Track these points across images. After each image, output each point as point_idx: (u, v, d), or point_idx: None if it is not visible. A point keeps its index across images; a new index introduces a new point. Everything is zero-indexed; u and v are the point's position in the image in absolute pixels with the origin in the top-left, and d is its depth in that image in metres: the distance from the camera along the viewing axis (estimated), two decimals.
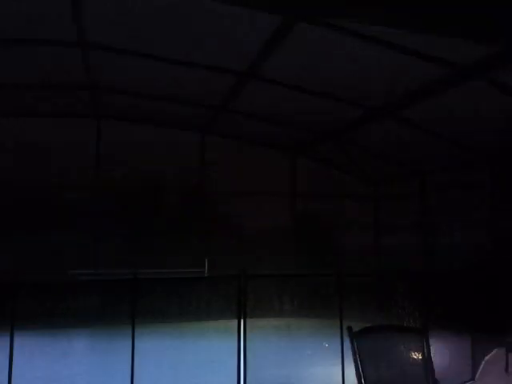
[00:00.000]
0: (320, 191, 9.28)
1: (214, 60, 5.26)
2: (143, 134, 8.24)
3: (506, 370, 4.78)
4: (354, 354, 2.68)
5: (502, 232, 6.46)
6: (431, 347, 2.76)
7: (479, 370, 4.75)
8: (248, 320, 3.94)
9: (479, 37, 3.67)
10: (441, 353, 3.94)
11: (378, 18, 3.40)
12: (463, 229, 7.31)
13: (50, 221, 7.93)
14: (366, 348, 2.73)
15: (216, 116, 7.64)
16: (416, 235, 8.16)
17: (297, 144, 8.74)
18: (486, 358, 5.13)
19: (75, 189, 8.20)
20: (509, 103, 5.02)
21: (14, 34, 4.76)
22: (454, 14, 3.23)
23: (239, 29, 4.37)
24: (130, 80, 6.23)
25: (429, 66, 4.56)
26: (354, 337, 2.74)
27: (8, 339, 3.61)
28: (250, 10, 3.88)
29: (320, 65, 5.06)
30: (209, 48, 4.92)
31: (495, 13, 3.18)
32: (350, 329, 2.78)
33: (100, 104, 7.48)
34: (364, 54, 4.58)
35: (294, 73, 5.38)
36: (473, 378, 4.54)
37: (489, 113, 5.36)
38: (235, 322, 3.94)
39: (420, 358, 2.77)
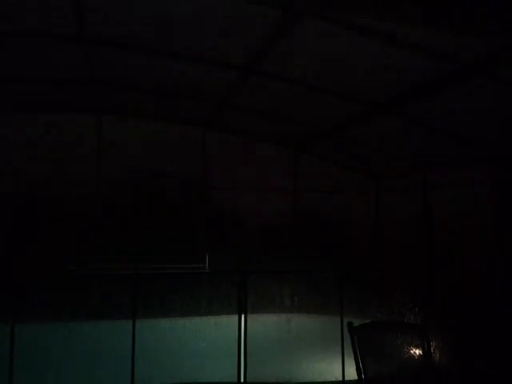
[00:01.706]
0: (321, 187, 9.28)
1: (214, 55, 5.24)
2: (143, 130, 8.24)
3: None
4: (354, 349, 2.69)
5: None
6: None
7: None
8: (248, 315, 3.95)
9: (480, 32, 3.65)
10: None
11: (381, 12, 3.38)
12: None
13: (49, 218, 7.92)
14: (366, 343, 2.75)
15: (217, 112, 7.62)
16: (417, 231, 8.15)
17: (298, 140, 8.73)
18: None
19: (75, 184, 8.18)
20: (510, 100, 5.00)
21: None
22: (456, 8, 3.22)
23: (239, 22, 4.35)
24: (130, 75, 6.21)
25: (430, 62, 4.54)
26: (355, 332, 2.75)
27: (8, 334, 3.63)
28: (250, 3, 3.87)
29: (321, 61, 5.04)
30: (209, 42, 4.90)
31: (496, 7, 3.17)
32: (350, 324, 2.80)
33: (100, 100, 7.46)
34: (365, 49, 4.56)
35: (295, 68, 5.36)
36: None
37: (490, 110, 5.34)
38: (236, 317, 3.95)
39: (420, 353, 2.78)
